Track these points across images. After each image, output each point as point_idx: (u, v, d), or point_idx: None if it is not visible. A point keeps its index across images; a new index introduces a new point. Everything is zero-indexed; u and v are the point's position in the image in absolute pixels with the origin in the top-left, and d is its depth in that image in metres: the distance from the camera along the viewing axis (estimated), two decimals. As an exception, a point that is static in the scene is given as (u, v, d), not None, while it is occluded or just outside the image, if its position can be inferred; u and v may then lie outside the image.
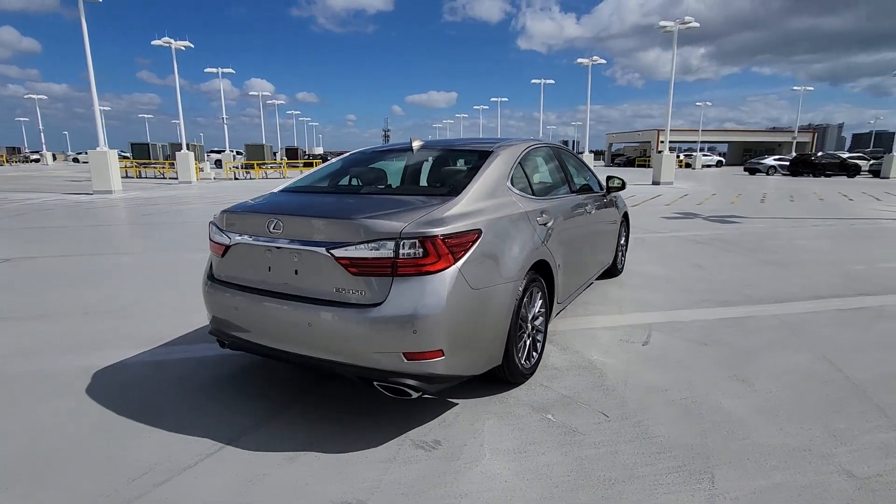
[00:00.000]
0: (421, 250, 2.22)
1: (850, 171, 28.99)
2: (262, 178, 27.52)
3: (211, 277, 2.82)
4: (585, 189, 4.27)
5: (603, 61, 27.55)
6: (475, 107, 53.57)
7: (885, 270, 5.88)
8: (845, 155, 32.14)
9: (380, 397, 2.82)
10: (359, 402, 2.80)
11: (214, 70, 32.70)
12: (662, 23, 20.10)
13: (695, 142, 55.13)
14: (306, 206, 2.80)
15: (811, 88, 51.28)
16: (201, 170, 26.18)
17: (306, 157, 41.71)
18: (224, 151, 33.11)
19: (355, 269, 2.27)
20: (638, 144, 61.92)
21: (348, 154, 3.85)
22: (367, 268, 2.25)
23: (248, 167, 28.83)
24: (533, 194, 3.22)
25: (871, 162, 30.72)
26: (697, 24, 19.83)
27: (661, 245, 7.53)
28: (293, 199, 2.98)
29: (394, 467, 2.24)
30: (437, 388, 2.38)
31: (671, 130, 23.34)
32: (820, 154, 33.31)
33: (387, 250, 2.23)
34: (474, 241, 2.39)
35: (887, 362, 3.29)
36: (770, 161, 33.86)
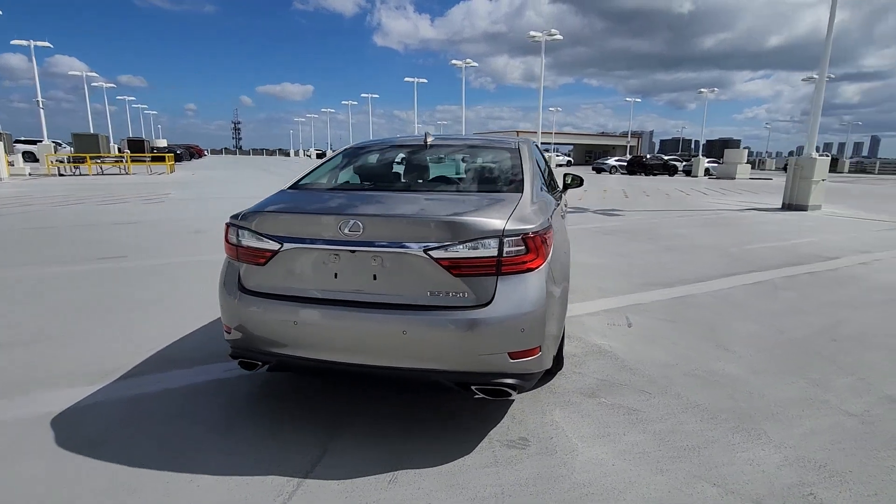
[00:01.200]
0: (523, 248, 2.19)
1: (671, 170, 34.88)
2: (97, 174, 23.52)
3: (241, 289, 2.41)
4: (555, 186, 4.53)
5: (475, 64, 28.97)
6: (344, 102, 52.20)
7: (753, 251, 7.25)
8: (667, 157, 38.44)
9: (430, 402, 2.72)
10: (411, 411, 2.65)
11: (24, 43, 26.93)
12: (532, 33, 21.91)
13: (547, 143, 61.00)
14: (385, 204, 2.50)
15: (639, 100, 60.57)
16: (11, 164, 21.37)
17: (153, 150, 36.38)
18: (42, 142, 27.37)
19: (457, 270, 2.14)
20: (499, 144, 67.45)
21: (360, 148, 3.58)
22: (471, 268, 2.15)
23: (77, 161, 24.30)
24: (544, 190, 3.34)
25: (684, 163, 37.43)
26: (561, 37, 21.98)
27: (577, 237, 8.27)
28: (353, 198, 2.67)
29: (504, 471, 2.18)
30: (531, 386, 2.36)
31: (519, 132, 25.44)
32: (649, 156, 39.68)
33: (490, 249, 2.14)
34: (551, 237, 2.43)
35: (807, 323, 4.11)
36: (612, 161, 39.00)
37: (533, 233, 2.24)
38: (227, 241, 2.49)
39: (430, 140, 3.28)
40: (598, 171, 38.13)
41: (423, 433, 2.46)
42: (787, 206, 12.78)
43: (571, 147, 76.83)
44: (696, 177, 33.14)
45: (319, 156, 73.20)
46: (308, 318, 2.24)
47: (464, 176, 3.40)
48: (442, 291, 2.17)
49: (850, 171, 47.06)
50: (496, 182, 2.98)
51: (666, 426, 2.55)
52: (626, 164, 37.16)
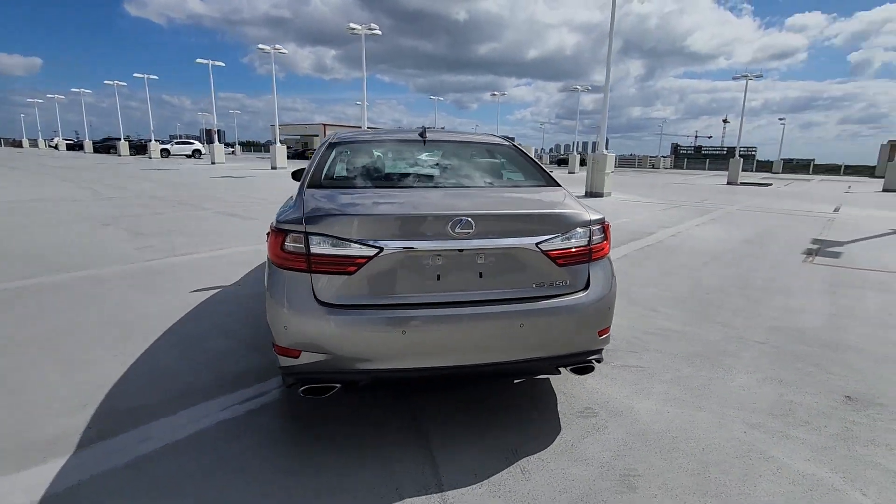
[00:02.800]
0: (602, 235, 2.44)
1: None
2: None
3: (321, 303, 2.07)
4: None
5: (285, 51, 27.24)
6: (108, 82, 42.99)
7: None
8: None
9: (473, 396, 2.79)
10: (469, 407, 2.68)
11: None
12: (352, 25, 21.67)
13: (354, 137, 60.80)
14: (476, 200, 2.50)
15: (442, 98, 63.84)
16: None
17: None
18: None
19: (562, 261, 2.28)
20: (300, 137, 64.93)
21: (352, 141, 3.26)
22: (572, 257, 2.31)
23: None
24: None
25: None
26: (380, 32, 22.28)
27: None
28: (424, 194, 2.53)
29: (602, 436, 2.43)
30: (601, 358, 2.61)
31: (325, 125, 25.31)
32: None
33: (584, 238, 2.35)
34: None
35: (681, 283, 5.30)
36: None
37: (607, 221, 2.51)
38: (283, 250, 2.12)
39: (428, 136, 3.22)
40: None
41: (509, 424, 2.52)
42: (589, 194, 15.61)
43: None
44: None
45: (73, 146, 59.00)
46: (417, 326, 2.09)
47: (484, 170, 3.34)
48: (546, 282, 2.28)
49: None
50: (532, 177, 3.09)
51: (671, 375, 3.12)
52: None
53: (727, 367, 3.23)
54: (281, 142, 29.13)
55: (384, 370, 2.13)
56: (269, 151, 30.84)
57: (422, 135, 3.17)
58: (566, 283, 2.31)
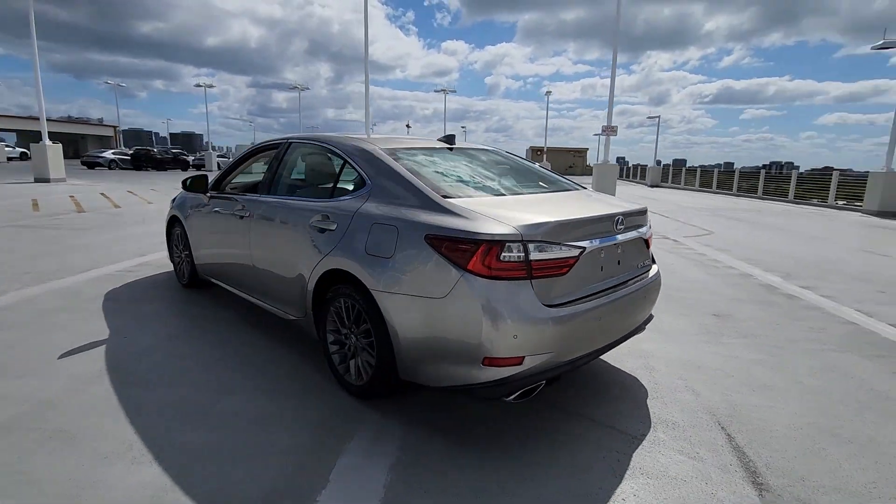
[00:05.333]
0: None
1: (183, 165, 33.98)
2: None
3: (545, 305, 2.06)
4: None
5: None
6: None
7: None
8: (176, 151, 37.69)
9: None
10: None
11: None
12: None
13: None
14: (613, 202, 2.81)
15: (123, 84, 52.10)
16: None
17: None
18: None
19: (648, 246, 2.79)
20: None
21: (416, 147, 2.94)
22: (648, 241, 2.78)
23: None
24: None
25: (194, 158, 36.98)
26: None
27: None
28: (557, 198, 2.76)
29: (684, 397, 2.35)
30: None
31: None
32: (158, 149, 37.61)
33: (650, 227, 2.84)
34: None
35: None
36: (110, 155, 32.16)
37: None
38: (499, 260, 1.98)
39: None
40: (91, 165, 30.85)
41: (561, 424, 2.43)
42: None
43: (15, 134, 55.31)
44: (212, 170, 31.53)
45: None
46: (606, 311, 2.28)
47: (549, 175, 3.25)
48: (643, 262, 2.73)
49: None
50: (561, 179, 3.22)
51: (703, 339, 3.09)
52: (129, 157, 32.39)
53: (722, 339, 3.21)
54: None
55: (581, 357, 2.24)
56: None
57: (450, 142, 3.12)
58: (649, 261, 2.81)
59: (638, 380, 2.80)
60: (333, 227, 2.54)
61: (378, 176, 2.53)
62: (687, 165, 31.72)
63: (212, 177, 3.97)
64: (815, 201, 17.04)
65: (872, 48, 14.14)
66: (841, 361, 3.14)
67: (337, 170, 2.86)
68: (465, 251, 1.99)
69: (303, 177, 3.47)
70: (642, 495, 1.86)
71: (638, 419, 2.40)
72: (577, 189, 3.01)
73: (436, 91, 39.29)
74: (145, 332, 3.40)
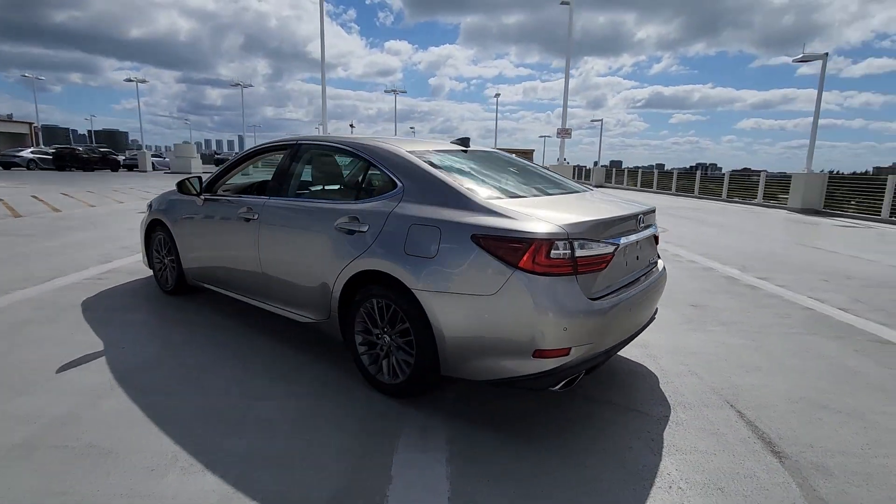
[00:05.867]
0: None
1: (113, 165, 30.94)
2: None
3: (590, 299, 2.22)
4: None
5: None
6: None
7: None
8: (104, 150, 34.50)
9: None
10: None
11: None
12: None
13: None
14: (628, 203, 2.91)
15: (43, 78, 47.18)
16: None
17: None
18: None
19: (657, 242, 3.06)
20: None
21: (446, 151, 2.99)
22: (657, 238, 3.05)
23: None
24: None
25: (125, 157, 34.49)
26: None
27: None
28: (607, 199, 3.00)
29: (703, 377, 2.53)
30: None
31: None
32: (83, 148, 33.74)
33: None
34: None
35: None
36: (28, 154, 29.68)
37: None
38: (548, 258, 2.10)
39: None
40: (7, 166, 28.27)
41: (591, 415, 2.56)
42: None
43: None
44: (146, 171, 30.76)
45: None
46: (635, 302, 2.47)
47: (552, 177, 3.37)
48: (655, 257, 3.00)
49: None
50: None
51: (689, 327, 3.33)
52: (51, 156, 29.62)
53: (704, 327, 3.50)
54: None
55: (613, 346, 2.40)
56: None
57: (464, 145, 3.19)
58: (656, 256, 3.04)
59: (646, 366, 3.01)
60: (364, 228, 2.56)
61: (410, 178, 2.57)
62: (622, 166, 33.51)
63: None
64: (744, 200, 18.52)
65: (793, 60, 15.59)
66: (811, 343, 3.52)
67: (361, 172, 2.87)
68: (517, 249, 2.09)
69: (319, 179, 3.44)
70: (683, 469, 2.03)
71: (657, 402, 2.59)
72: (589, 190, 3.17)
73: (385, 91, 39.26)
74: (142, 341, 3.24)
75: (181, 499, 1.79)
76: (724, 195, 19.68)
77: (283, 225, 3.05)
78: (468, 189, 2.44)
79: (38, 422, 2.25)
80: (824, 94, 15.64)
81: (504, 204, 2.34)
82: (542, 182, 3.04)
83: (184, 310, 3.88)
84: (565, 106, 16.91)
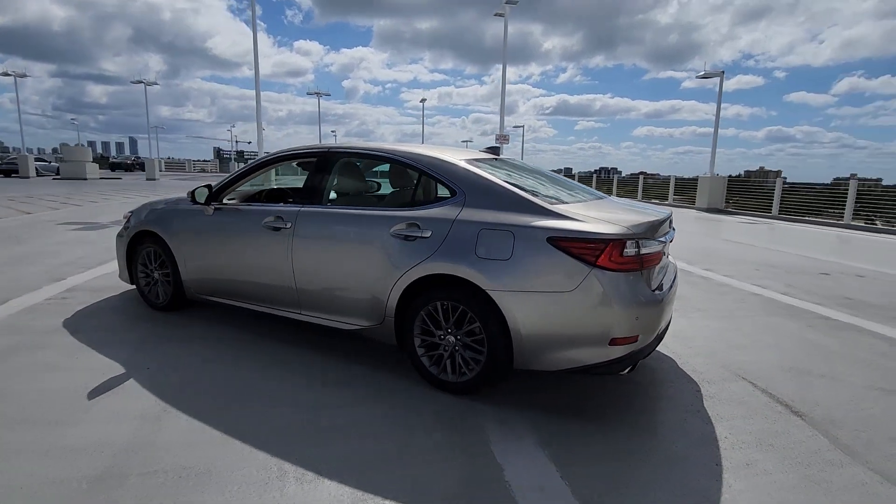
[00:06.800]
0: None
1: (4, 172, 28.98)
2: None
3: (652, 290, 2.51)
4: None
5: None
6: None
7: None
8: None
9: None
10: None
11: None
12: None
13: None
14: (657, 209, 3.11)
15: None
16: None
17: None
18: None
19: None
20: None
21: (496, 160, 3.16)
22: None
23: None
24: None
25: (2, 162, 31.21)
26: None
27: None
28: (615, 200, 3.25)
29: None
30: None
31: None
32: None
33: None
34: None
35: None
36: None
37: None
38: (622, 255, 2.37)
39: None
40: None
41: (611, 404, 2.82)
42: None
43: None
44: (28, 177, 27.87)
45: None
46: (671, 296, 2.76)
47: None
48: (671, 255, 3.27)
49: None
50: None
51: (675, 315, 3.75)
52: None
53: (696, 317, 3.99)
54: None
55: (660, 334, 2.67)
56: None
57: (495, 153, 3.38)
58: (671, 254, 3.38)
59: (660, 351, 3.39)
60: (427, 234, 2.65)
61: (469, 186, 2.70)
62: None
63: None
64: (656, 201, 20.46)
65: (697, 76, 17.59)
66: (773, 323, 4.12)
67: (411, 180, 2.95)
68: (594, 249, 2.32)
69: (358, 187, 3.43)
70: (735, 433, 2.38)
71: (685, 380, 2.95)
72: (607, 196, 3.46)
73: (309, 94, 37.86)
74: (164, 361, 3.05)
75: (317, 506, 1.80)
76: (639, 197, 21.58)
77: (324, 233, 3.04)
78: (532, 195, 2.63)
79: (105, 451, 2.10)
80: (703, 105, 17.83)
81: (569, 208, 2.57)
82: (573, 188, 3.27)
83: (182, 326, 3.67)
84: (502, 113, 17.66)
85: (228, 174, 3.78)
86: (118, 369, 2.90)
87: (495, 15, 15.85)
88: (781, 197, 14.79)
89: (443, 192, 2.89)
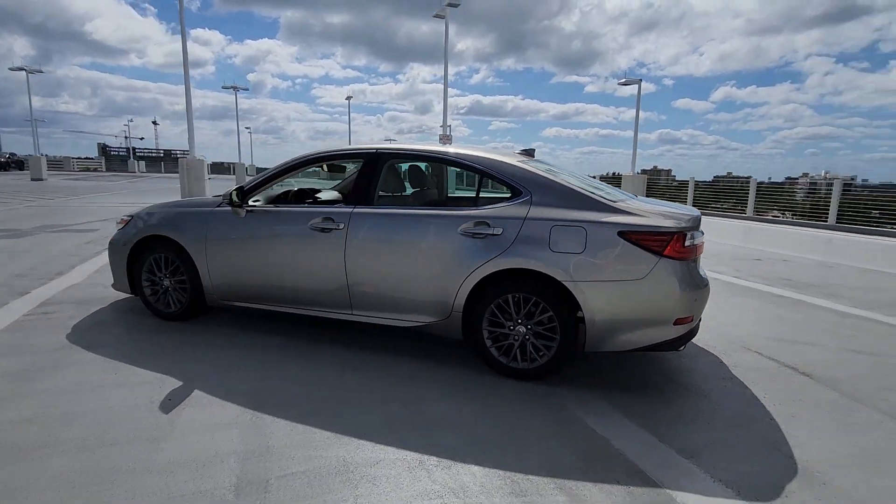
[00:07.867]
0: None
1: None
2: None
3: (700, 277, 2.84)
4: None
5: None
6: None
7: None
8: None
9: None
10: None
11: None
12: None
13: None
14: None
15: None
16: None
17: None
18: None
19: None
20: None
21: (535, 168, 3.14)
22: None
23: None
24: None
25: None
26: None
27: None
28: (647, 199, 3.43)
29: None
30: None
31: None
32: None
33: None
34: None
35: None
36: None
37: None
38: (684, 246, 2.69)
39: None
40: None
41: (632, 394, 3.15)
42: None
43: None
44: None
45: None
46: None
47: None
48: None
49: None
50: None
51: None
52: None
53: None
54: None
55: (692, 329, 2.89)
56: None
57: (530, 155, 3.51)
58: None
59: (671, 331, 3.82)
60: (499, 231, 2.81)
61: (535, 186, 2.90)
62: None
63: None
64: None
65: (619, 83, 19.12)
66: (744, 302, 4.77)
67: (475, 181, 3.08)
68: (662, 241, 2.63)
69: (417, 188, 3.46)
70: (769, 397, 2.80)
71: (705, 353, 3.39)
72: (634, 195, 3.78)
73: (224, 88, 35.67)
74: (215, 369, 2.93)
75: (473, 488, 1.92)
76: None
77: (382, 233, 3.08)
78: (594, 193, 2.89)
79: (228, 461, 2.05)
80: (604, 109, 19.56)
81: (631, 205, 2.86)
82: (605, 187, 3.50)
83: (198, 332, 3.51)
84: (445, 111, 17.91)
85: (257, 175, 3.64)
86: (173, 381, 2.74)
87: (434, 16, 16.09)
88: (694, 192, 16.62)
89: (495, 191, 3.07)
